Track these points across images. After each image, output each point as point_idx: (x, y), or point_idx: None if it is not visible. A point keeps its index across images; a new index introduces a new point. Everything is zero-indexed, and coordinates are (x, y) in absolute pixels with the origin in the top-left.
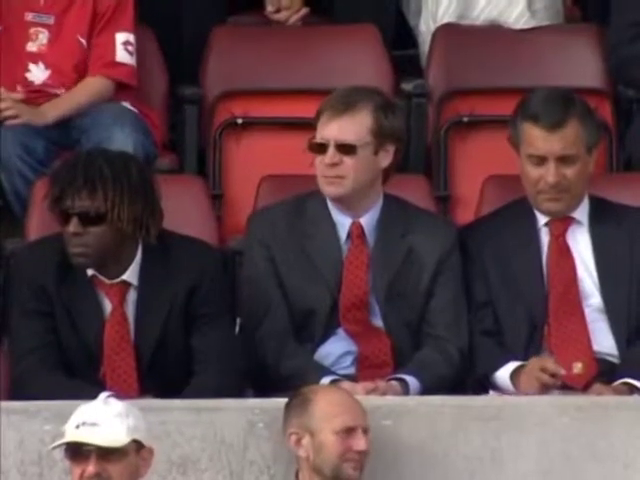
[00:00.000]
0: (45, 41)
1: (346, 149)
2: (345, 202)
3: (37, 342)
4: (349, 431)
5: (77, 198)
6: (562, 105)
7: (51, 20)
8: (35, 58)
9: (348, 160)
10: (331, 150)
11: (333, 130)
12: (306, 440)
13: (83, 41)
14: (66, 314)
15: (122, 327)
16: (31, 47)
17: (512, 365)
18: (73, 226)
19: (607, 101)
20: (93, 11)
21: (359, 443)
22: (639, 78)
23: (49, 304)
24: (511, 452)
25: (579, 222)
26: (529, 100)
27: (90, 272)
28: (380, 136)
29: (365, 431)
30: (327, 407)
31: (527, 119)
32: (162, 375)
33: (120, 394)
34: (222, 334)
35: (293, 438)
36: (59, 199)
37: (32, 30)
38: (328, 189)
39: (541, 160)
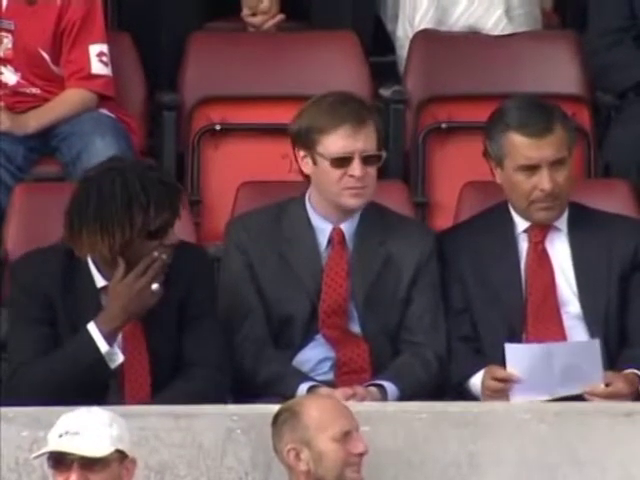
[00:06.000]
0: (10, 45)
1: (371, 160)
2: (341, 211)
3: (42, 349)
4: (347, 435)
5: (159, 210)
6: (544, 111)
7: (12, 26)
8: (3, 61)
9: (371, 170)
10: (358, 162)
11: (358, 143)
12: (305, 454)
13: (45, 55)
14: (70, 324)
15: (138, 335)
16: None
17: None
18: (171, 237)
19: (585, 107)
20: (55, 27)
21: (358, 446)
22: (617, 85)
23: (53, 313)
24: (489, 458)
25: (558, 229)
26: (507, 111)
27: (101, 283)
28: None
29: (358, 430)
30: (320, 416)
31: (511, 130)
32: (154, 379)
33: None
34: (208, 336)
35: (292, 454)
36: (146, 221)
37: None
38: (353, 201)
39: (533, 169)
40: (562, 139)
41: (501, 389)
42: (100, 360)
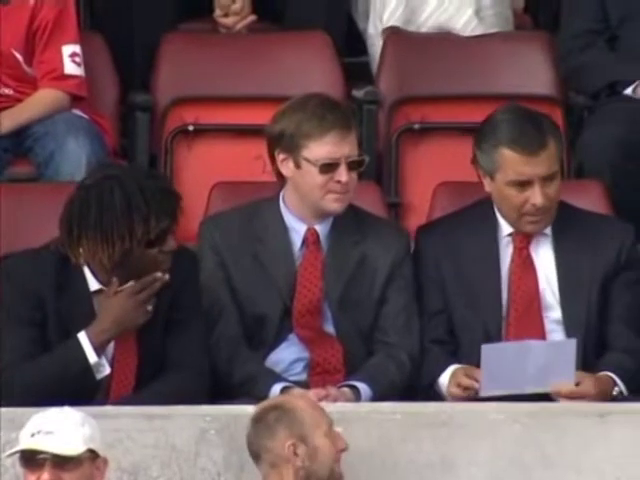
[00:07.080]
0: None
1: (355, 165)
2: (319, 213)
3: (30, 352)
4: (331, 429)
5: (159, 220)
6: (537, 126)
7: None
8: None
9: (353, 175)
10: (344, 168)
11: (345, 149)
12: (301, 449)
13: (18, 56)
14: (61, 326)
15: (130, 338)
16: None
17: (451, 368)
18: (170, 245)
19: (558, 108)
20: (28, 27)
21: (342, 442)
22: (590, 86)
23: (43, 314)
24: (462, 459)
25: (543, 234)
26: (498, 124)
27: (95, 286)
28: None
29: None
30: (312, 412)
31: (503, 145)
32: (142, 381)
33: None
34: (191, 339)
35: (291, 450)
36: (146, 231)
37: None
38: (335, 206)
39: (525, 184)
40: (554, 154)
41: (471, 387)
42: (87, 370)
